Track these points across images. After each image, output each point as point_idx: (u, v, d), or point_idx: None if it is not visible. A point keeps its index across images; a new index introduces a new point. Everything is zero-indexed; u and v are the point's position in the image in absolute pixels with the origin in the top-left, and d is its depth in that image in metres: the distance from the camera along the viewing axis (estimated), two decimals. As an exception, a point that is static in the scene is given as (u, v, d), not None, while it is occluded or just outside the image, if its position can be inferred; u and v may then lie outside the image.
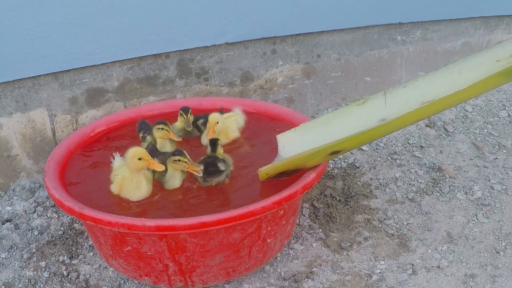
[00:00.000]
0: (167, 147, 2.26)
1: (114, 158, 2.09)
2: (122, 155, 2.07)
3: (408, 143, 2.98)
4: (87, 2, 2.45)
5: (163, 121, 2.26)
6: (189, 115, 2.33)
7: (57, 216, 2.45)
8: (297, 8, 2.92)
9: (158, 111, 2.61)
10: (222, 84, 2.95)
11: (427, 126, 3.12)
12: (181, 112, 2.34)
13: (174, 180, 2.02)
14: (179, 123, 2.38)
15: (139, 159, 1.92)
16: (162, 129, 2.24)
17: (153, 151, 2.13)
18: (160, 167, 1.94)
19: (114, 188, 2.00)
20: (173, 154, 2.00)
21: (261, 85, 3.06)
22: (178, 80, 2.84)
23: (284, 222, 2.00)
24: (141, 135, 2.33)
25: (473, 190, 2.56)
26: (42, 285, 2.11)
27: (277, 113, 2.52)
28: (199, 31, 2.74)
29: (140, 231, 1.74)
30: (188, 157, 1.98)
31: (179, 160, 1.97)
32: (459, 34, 3.49)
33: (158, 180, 2.04)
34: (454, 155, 2.86)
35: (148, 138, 2.29)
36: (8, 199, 2.56)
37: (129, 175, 1.96)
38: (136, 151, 1.93)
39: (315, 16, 3.00)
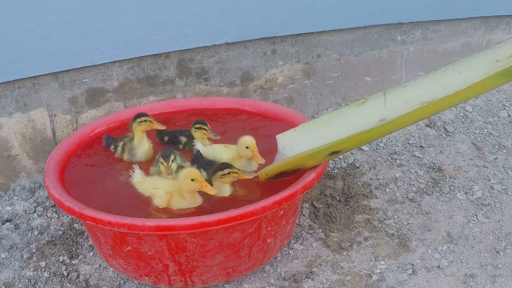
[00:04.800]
0: (146, 145, 2.25)
1: (134, 171, 2.06)
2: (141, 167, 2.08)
3: (408, 143, 2.98)
4: (87, 2, 2.45)
5: (143, 113, 2.25)
6: (170, 162, 2.05)
7: (57, 216, 2.46)
8: (297, 8, 2.92)
9: (158, 111, 2.61)
10: (222, 84, 2.96)
11: (427, 126, 3.12)
12: (161, 160, 2.06)
13: (223, 191, 2.01)
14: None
15: (192, 180, 1.88)
16: (145, 121, 2.22)
17: (198, 158, 2.14)
18: (212, 190, 1.90)
19: (160, 203, 1.95)
20: (219, 168, 1.96)
21: (261, 85, 3.06)
22: (178, 80, 2.85)
23: (284, 222, 2.00)
24: (112, 148, 2.30)
25: (473, 190, 2.56)
26: (42, 285, 2.11)
27: (277, 113, 2.52)
28: (199, 31, 2.74)
29: (140, 231, 1.74)
30: (235, 167, 1.97)
31: (229, 173, 1.94)
32: (459, 34, 3.49)
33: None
34: (454, 155, 2.86)
35: (120, 143, 2.27)
36: (8, 199, 2.56)
37: (180, 192, 1.93)
38: (189, 172, 1.89)
39: (315, 16, 3.00)
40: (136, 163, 2.13)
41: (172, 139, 2.35)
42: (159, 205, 1.95)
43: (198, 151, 2.20)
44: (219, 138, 2.28)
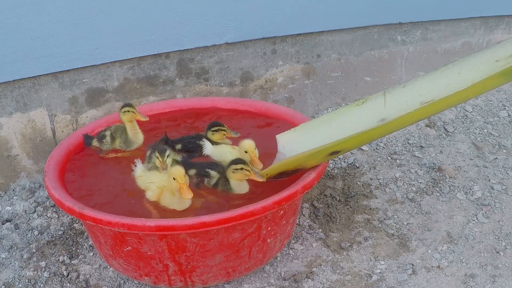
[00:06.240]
0: (139, 134, 2.31)
1: (136, 166, 2.07)
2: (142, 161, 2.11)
3: (408, 143, 2.98)
4: (87, 2, 2.45)
5: (128, 103, 2.29)
6: (165, 157, 2.05)
7: (57, 216, 2.46)
8: (297, 8, 2.92)
9: (158, 111, 2.61)
10: (222, 84, 2.96)
11: (427, 126, 3.12)
12: (157, 155, 2.07)
13: (244, 187, 2.01)
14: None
15: (174, 178, 1.88)
16: (128, 111, 2.26)
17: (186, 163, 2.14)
18: (187, 195, 1.86)
19: (151, 196, 1.98)
20: (234, 162, 1.96)
21: (261, 85, 3.06)
22: (178, 80, 2.85)
23: (284, 222, 2.00)
24: (95, 141, 2.32)
25: (473, 190, 2.56)
26: (42, 285, 2.11)
27: (277, 113, 2.52)
28: (199, 31, 2.74)
29: (140, 231, 1.74)
30: (250, 165, 1.96)
31: (241, 169, 1.94)
32: (459, 34, 3.49)
33: (222, 191, 2.03)
34: (454, 155, 2.86)
35: (106, 133, 2.31)
36: (8, 199, 2.56)
37: (170, 188, 1.94)
38: (173, 171, 1.89)
39: (315, 16, 3.00)
40: (138, 159, 2.15)
41: (187, 145, 2.26)
42: (150, 198, 1.98)
43: (185, 157, 2.19)
44: (239, 135, 2.26)
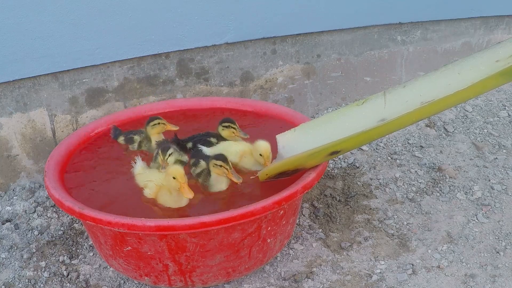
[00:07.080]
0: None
1: (135, 162, 2.09)
2: (143, 158, 2.13)
3: (408, 143, 2.98)
4: (87, 2, 2.45)
5: (155, 116, 2.29)
6: (167, 156, 2.07)
7: (57, 216, 2.46)
8: (297, 8, 2.92)
9: (158, 111, 2.61)
10: (222, 84, 2.96)
11: (427, 126, 3.12)
12: (159, 152, 2.09)
13: (221, 183, 2.01)
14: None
15: (174, 178, 1.88)
16: (159, 123, 2.26)
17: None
18: (188, 194, 1.87)
19: (148, 194, 1.98)
20: (215, 157, 1.97)
21: (261, 85, 3.06)
22: (178, 80, 2.85)
23: (284, 222, 2.00)
24: (122, 139, 2.34)
25: (473, 190, 2.56)
26: (42, 285, 2.11)
27: (277, 113, 2.52)
28: (199, 31, 2.74)
29: (140, 231, 1.74)
30: (230, 164, 1.96)
31: (220, 166, 1.95)
32: (459, 34, 3.49)
33: (202, 184, 2.03)
34: (454, 155, 2.86)
35: (136, 137, 2.30)
36: (8, 199, 2.56)
37: (168, 186, 1.93)
38: (173, 170, 1.89)
39: (315, 16, 3.00)
40: (138, 155, 2.17)
41: (197, 143, 2.24)
42: (147, 196, 1.98)
43: (196, 149, 2.19)
44: (248, 137, 2.24)
